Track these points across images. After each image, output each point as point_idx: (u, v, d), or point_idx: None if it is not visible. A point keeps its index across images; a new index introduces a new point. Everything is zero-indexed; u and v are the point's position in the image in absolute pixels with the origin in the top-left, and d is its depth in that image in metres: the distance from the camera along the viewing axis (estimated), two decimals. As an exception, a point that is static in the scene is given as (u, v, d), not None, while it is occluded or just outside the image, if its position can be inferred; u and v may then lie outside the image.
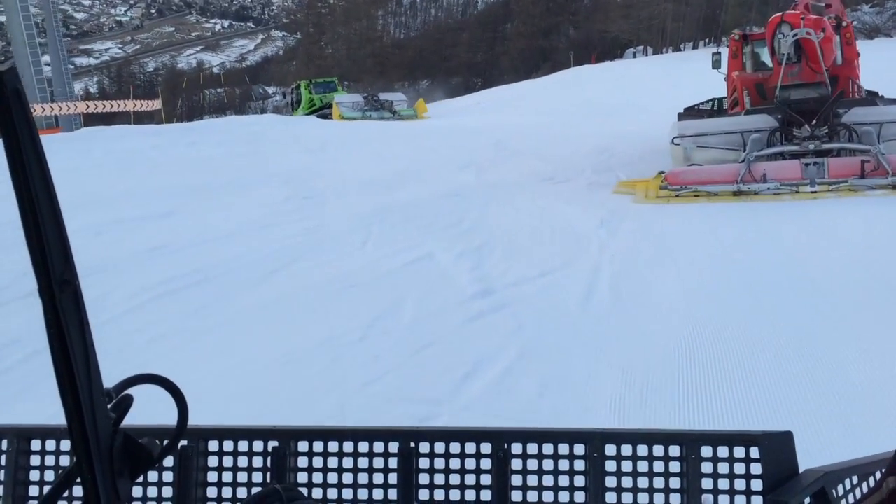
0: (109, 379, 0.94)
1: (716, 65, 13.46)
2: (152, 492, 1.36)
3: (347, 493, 1.34)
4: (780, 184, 8.86)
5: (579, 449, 1.31)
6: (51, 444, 1.41)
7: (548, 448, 1.31)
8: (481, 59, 79.74)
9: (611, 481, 1.30)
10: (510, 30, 77.77)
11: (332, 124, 20.81)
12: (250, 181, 10.85)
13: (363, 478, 1.34)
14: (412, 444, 1.34)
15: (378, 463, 1.34)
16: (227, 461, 1.38)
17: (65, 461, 1.37)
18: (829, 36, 9.88)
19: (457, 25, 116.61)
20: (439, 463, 1.32)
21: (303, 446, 1.36)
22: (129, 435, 0.98)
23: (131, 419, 0.97)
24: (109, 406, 0.96)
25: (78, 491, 0.96)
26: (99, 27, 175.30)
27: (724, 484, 1.26)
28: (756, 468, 1.24)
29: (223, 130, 16.57)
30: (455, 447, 1.33)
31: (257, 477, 1.33)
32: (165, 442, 1.06)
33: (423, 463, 1.33)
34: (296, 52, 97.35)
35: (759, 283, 5.65)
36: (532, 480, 1.31)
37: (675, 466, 1.28)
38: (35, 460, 1.42)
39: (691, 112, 14.22)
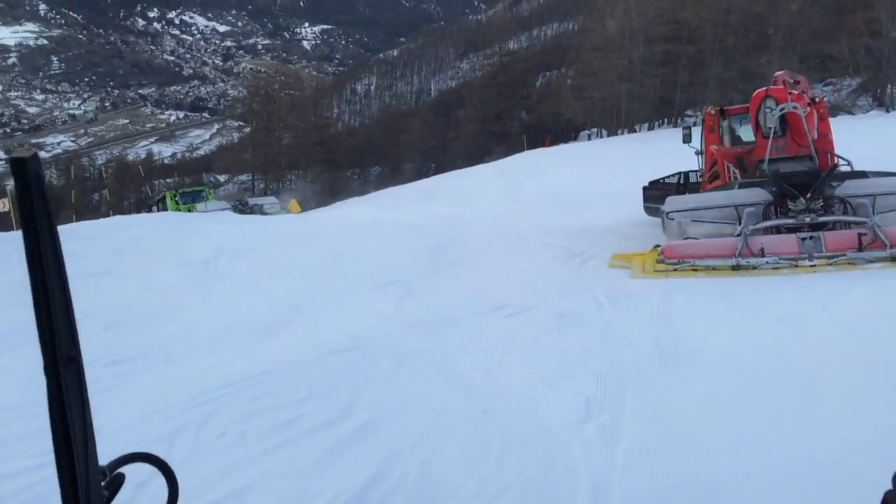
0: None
1: (686, 139, 13.65)
2: None
3: None
4: (779, 258, 8.58)
5: None
6: None
7: None
8: (434, 143, 77.81)
9: None
10: (462, 115, 76.23)
11: (242, 224, 17.37)
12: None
13: None
14: None
15: None
16: None
17: None
18: (811, 111, 10.06)
19: (409, 111, 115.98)
20: None
21: None
22: None
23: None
24: (103, 484, 0.96)
25: None
26: (52, 121, 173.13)
27: None
28: None
29: (88, 237, 13.00)
30: None
31: None
32: None
33: None
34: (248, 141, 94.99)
35: None
36: None
37: None
38: None
39: (656, 186, 14.39)
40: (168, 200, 32.03)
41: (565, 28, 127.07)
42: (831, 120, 13.44)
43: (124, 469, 1.04)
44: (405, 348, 6.25)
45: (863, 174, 10.08)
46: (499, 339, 6.47)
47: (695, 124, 17.10)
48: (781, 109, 9.70)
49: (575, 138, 58.57)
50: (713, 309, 7.28)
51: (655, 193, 13.91)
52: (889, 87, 40.17)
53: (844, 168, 10.30)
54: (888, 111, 38.88)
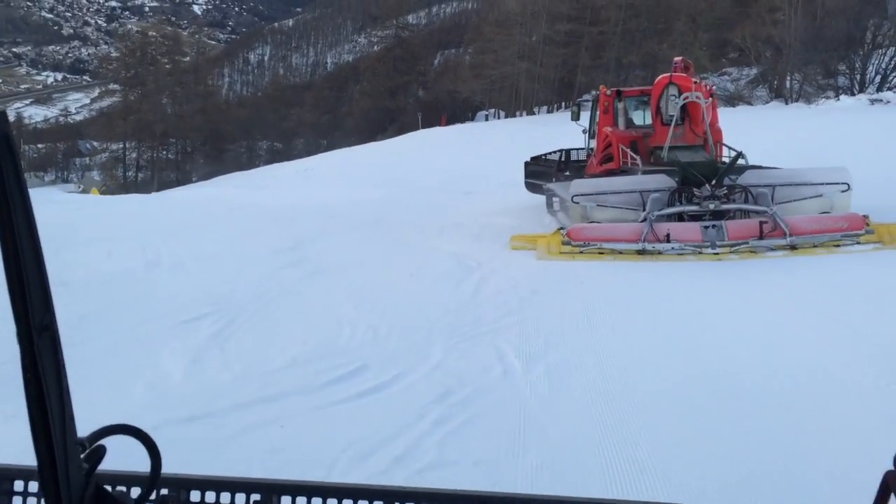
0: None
1: (574, 116, 13.46)
2: None
3: None
4: (683, 245, 8.64)
5: None
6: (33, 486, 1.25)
7: None
8: (326, 119, 73.79)
9: None
10: (357, 90, 72.61)
11: (48, 206, 13.80)
12: None
13: None
14: None
15: None
16: None
17: None
18: (711, 102, 10.34)
19: (302, 84, 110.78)
20: None
21: (286, 501, 1.30)
22: (100, 486, 0.95)
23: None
24: (83, 456, 0.94)
25: None
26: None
27: None
28: None
29: None
30: None
31: None
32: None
33: None
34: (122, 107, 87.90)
35: None
36: None
37: None
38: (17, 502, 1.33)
39: (538, 161, 14.31)
40: None
41: (465, 7, 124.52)
42: (731, 110, 12.88)
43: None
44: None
45: (757, 168, 10.15)
46: (336, 459, 3.65)
47: (586, 101, 16.10)
48: (685, 98, 9.76)
49: (472, 119, 56.23)
50: (666, 368, 4.80)
51: (537, 169, 13.97)
52: (788, 77, 39.61)
53: (740, 161, 10.25)
54: (787, 103, 38.30)
